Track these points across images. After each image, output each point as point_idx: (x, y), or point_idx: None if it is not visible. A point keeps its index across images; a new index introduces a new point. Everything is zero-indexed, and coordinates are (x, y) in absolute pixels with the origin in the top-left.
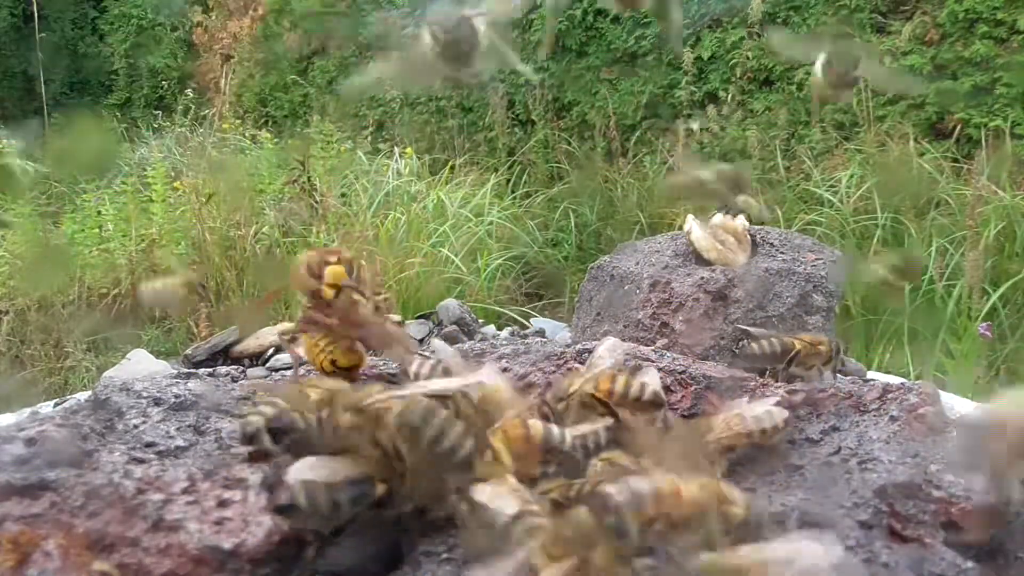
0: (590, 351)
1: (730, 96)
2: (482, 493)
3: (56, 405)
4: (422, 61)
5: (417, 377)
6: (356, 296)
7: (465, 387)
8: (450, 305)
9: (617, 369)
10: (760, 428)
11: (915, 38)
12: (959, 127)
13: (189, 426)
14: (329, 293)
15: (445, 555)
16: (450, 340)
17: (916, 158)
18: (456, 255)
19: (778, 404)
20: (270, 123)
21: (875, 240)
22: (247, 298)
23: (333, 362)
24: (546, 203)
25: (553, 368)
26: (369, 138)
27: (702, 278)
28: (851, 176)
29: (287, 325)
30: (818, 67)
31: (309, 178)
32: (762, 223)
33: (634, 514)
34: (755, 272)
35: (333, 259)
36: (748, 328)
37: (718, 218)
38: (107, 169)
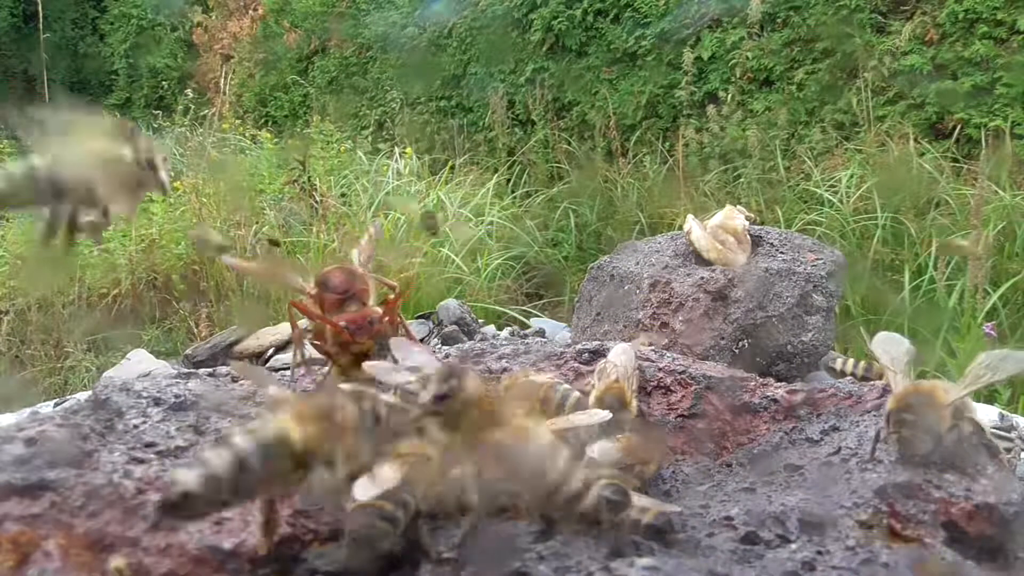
0: (591, 351)
1: (730, 96)
2: None
3: (56, 405)
4: None
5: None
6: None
7: None
8: (450, 305)
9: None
10: None
11: (915, 38)
12: (959, 127)
13: (189, 426)
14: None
15: (445, 555)
16: (450, 340)
17: (916, 158)
18: (456, 255)
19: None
20: (270, 123)
21: (875, 240)
22: (247, 298)
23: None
24: (546, 203)
25: (553, 368)
26: (369, 138)
27: (702, 278)
28: (851, 176)
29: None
30: None
31: (309, 178)
32: None
33: None
34: (755, 272)
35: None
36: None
37: (718, 218)
38: None
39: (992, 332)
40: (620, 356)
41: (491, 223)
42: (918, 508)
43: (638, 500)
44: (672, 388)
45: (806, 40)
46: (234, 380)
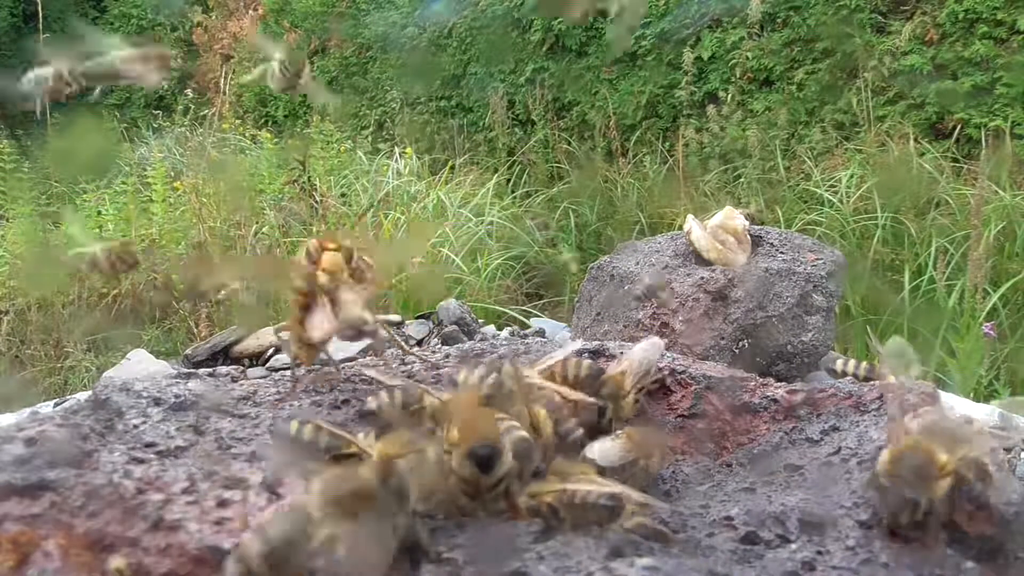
0: (591, 351)
1: (730, 96)
2: None
3: (56, 405)
4: None
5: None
6: (345, 277)
7: None
8: (450, 305)
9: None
10: None
11: (915, 38)
12: (959, 127)
13: (189, 426)
14: (322, 278)
15: (445, 555)
16: (450, 340)
17: (916, 158)
18: (456, 255)
19: None
20: (270, 123)
21: (875, 240)
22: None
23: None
24: (546, 203)
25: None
26: (369, 138)
27: (702, 278)
28: (851, 176)
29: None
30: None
31: (309, 178)
32: None
33: None
34: (755, 272)
35: (332, 246)
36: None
37: (718, 218)
38: (107, 169)
39: (992, 332)
40: (644, 351)
41: (491, 223)
42: None
43: (636, 497)
44: (672, 388)
45: (806, 40)
46: (234, 380)
